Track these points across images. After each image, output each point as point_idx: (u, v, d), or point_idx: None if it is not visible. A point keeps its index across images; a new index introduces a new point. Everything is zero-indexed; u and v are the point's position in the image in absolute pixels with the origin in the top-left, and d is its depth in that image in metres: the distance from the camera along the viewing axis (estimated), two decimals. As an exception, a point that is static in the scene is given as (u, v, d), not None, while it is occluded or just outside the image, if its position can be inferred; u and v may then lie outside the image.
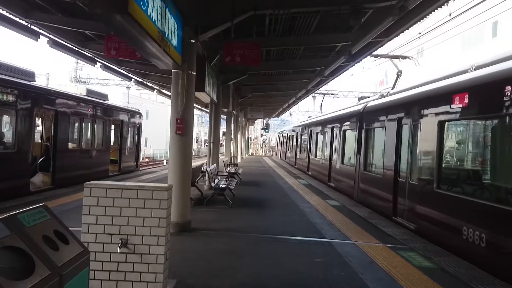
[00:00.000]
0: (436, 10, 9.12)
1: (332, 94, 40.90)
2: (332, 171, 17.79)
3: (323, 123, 20.45)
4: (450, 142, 8.33)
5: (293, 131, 32.41)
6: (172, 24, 6.68)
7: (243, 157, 38.73)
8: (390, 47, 14.38)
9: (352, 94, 44.44)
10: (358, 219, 9.65)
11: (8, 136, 11.66)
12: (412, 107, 9.76)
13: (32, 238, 2.54)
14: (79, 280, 2.82)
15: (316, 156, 21.95)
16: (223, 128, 26.78)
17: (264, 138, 75.82)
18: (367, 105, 13.69)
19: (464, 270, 5.90)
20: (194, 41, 8.14)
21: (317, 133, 21.76)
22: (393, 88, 14.27)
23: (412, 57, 16.03)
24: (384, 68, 38.96)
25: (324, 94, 35.67)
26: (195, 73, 8.24)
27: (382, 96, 13.13)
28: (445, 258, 6.55)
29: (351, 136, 14.89)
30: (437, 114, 8.43)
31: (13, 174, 11.09)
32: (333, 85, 77.92)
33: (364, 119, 13.47)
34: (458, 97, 7.53)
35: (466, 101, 7.30)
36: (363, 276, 5.54)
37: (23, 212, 2.71)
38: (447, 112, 8.02)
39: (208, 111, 17.96)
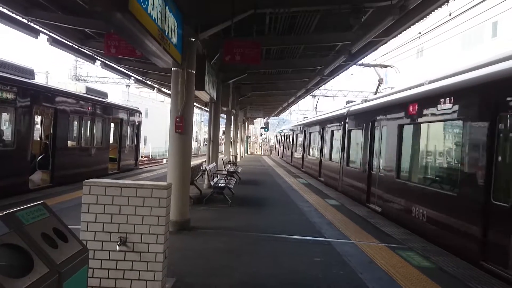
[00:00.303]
0: (436, 10, 9.13)
1: (327, 95, 41.82)
2: (322, 167, 19.78)
3: (315, 124, 22.50)
4: (406, 142, 10.07)
5: (290, 130, 34.59)
6: (172, 22, 6.67)
7: (242, 156, 38.72)
8: (390, 46, 14.55)
9: (352, 94, 44.39)
10: (357, 219, 9.66)
11: (8, 134, 11.65)
12: (380, 113, 11.88)
13: (31, 236, 2.54)
14: (78, 278, 2.81)
15: (309, 154, 24.02)
16: (222, 127, 26.78)
17: (263, 137, 75.83)
18: (350, 109, 15.62)
19: (463, 270, 5.91)
20: (194, 39, 8.13)
21: (310, 133, 23.78)
22: (375, 93, 16.45)
23: (393, 66, 17.96)
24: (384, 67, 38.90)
25: (319, 96, 36.98)
26: (195, 72, 8.24)
27: (365, 101, 14.84)
28: (444, 258, 6.55)
29: (337, 136, 16.92)
30: (397, 119, 10.50)
31: (12, 172, 11.09)
32: (333, 84, 77.96)
33: (348, 121, 15.43)
34: (411, 106, 9.68)
35: (416, 109, 9.41)
36: (362, 276, 5.54)
37: (22, 210, 2.70)
38: (403, 118, 10.10)
39: (207, 109, 17.97)
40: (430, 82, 9.61)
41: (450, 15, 11.07)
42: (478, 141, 6.93)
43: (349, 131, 15.09)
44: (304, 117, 35.73)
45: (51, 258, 2.54)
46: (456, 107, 7.72)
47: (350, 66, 17.29)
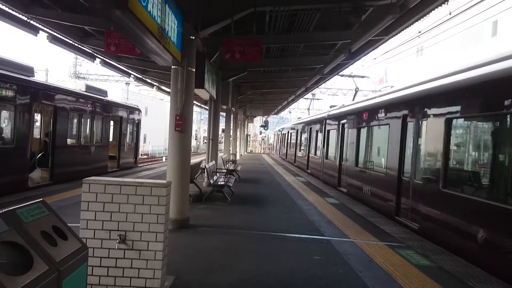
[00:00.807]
0: (436, 9, 9.12)
1: (318, 98, 44.67)
2: (309, 161, 23.39)
3: (304, 125, 26.34)
4: (362, 140, 13.29)
5: (285, 129, 38.56)
6: (172, 20, 6.67)
7: (242, 155, 38.71)
8: (389, 45, 14.61)
9: (351, 92, 44.38)
10: (357, 217, 9.66)
11: (7, 132, 11.64)
12: (346, 117, 15.44)
13: (30, 234, 2.54)
14: (77, 275, 2.82)
15: (300, 150, 27.93)
16: (222, 125, 26.75)
17: (263, 135, 75.78)
18: (329, 113, 18.89)
19: (462, 269, 5.92)
20: (194, 37, 8.12)
21: (301, 132, 27.38)
22: (353, 99, 19.92)
23: (369, 77, 21.55)
24: (383, 66, 38.97)
25: (311, 99, 39.87)
26: (194, 70, 8.23)
27: (342, 107, 17.55)
28: (443, 256, 6.56)
29: (320, 135, 20.40)
30: (355, 122, 14.02)
31: (12, 170, 11.09)
32: (333, 83, 77.93)
33: (327, 123, 18.81)
34: (365, 113, 12.96)
35: (368, 116, 12.64)
36: (362, 274, 5.55)
37: (22, 208, 2.70)
38: (359, 122, 13.52)
39: (207, 108, 17.97)
40: (381, 95, 12.70)
41: (450, 14, 11.06)
42: (395, 138, 10.06)
43: (328, 131, 18.55)
44: (298, 118, 39.54)
45: (51, 256, 2.54)
46: (386, 115, 11.09)
47: (350, 65, 17.30)
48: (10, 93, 10.79)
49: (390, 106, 10.85)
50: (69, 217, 5.05)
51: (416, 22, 10.16)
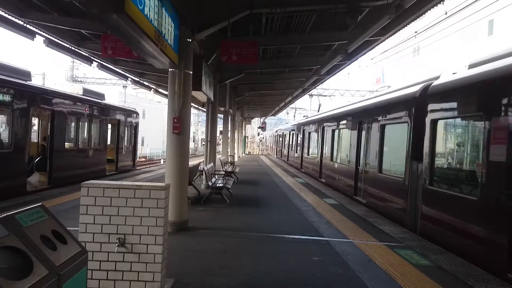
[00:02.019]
0: (432, 9, 9.16)
1: (324, 94, 44.75)
2: (302, 159, 26.34)
3: (291, 129, 31.44)
4: (329, 140, 17.22)
5: (281, 131, 41.73)
6: (169, 23, 6.68)
7: (240, 156, 38.69)
8: (386, 45, 14.68)
9: (349, 93, 44.48)
10: (355, 217, 9.68)
11: (5, 136, 11.62)
12: (310, 124, 22.17)
13: (30, 238, 2.55)
14: (77, 279, 2.82)
15: (291, 150, 31.59)
16: (220, 127, 26.68)
17: (261, 137, 75.76)
18: (307, 119, 24.97)
19: (461, 268, 5.93)
20: (190, 40, 8.13)
21: (292, 135, 31.16)
22: (318, 111, 30.21)
23: (334, 95, 29.31)
24: (380, 66, 39.05)
25: (296, 109, 46.06)
26: (191, 72, 8.24)
27: (315, 115, 23.75)
28: (442, 256, 6.58)
29: (302, 137, 25.39)
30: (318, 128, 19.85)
31: (10, 174, 11.06)
32: (330, 83, 78.12)
33: (305, 127, 24.24)
34: (313, 124, 20.71)
35: (322, 124, 18.66)
36: (361, 275, 5.56)
37: (21, 212, 2.71)
38: (321, 127, 19.04)
39: (205, 110, 17.96)
40: (336, 108, 17.98)
41: (446, 13, 11.11)
42: (355, 138, 13.15)
43: (309, 133, 22.94)
44: (286, 122, 49.07)
45: (50, 260, 2.55)
46: (346, 122, 14.79)
47: (347, 66, 17.33)
48: (7, 98, 10.78)
49: (347, 115, 14.81)
50: (68, 221, 5.05)
51: (412, 22, 10.19)
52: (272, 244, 7.14)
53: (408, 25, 10.46)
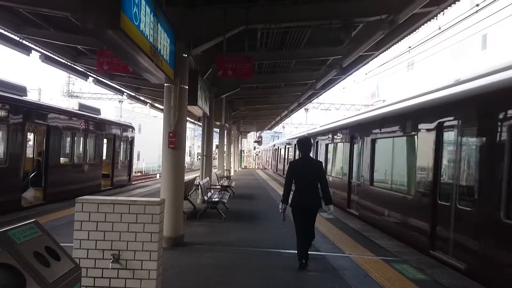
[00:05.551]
0: (425, 24, 9.26)
1: (320, 108, 45.49)
2: (284, 170, 28.10)
3: (288, 142, 32.76)
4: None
5: (277, 145, 44.35)
6: (164, 38, 6.72)
7: (236, 170, 38.65)
8: (381, 60, 14.84)
9: (344, 107, 44.73)
10: (351, 232, 9.65)
11: (0, 151, 11.58)
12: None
13: (23, 255, 2.52)
14: (71, 296, 2.79)
15: (287, 164, 32.71)
16: (216, 141, 26.70)
17: (257, 151, 75.74)
18: (289, 138, 29.38)
19: (457, 282, 5.91)
20: (186, 55, 8.18)
21: (287, 149, 33.05)
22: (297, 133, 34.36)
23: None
24: (375, 80, 39.31)
25: (284, 126, 48.78)
26: (187, 87, 8.27)
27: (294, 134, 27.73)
28: (438, 270, 6.56)
29: (288, 152, 29.37)
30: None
31: (5, 190, 11.00)
32: (325, 98, 78.33)
33: (290, 144, 27.60)
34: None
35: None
36: (357, 289, 5.53)
37: (14, 229, 2.69)
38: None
39: (200, 124, 17.99)
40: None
41: (439, 28, 11.24)
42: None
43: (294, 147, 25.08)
44: (278, 138, 53.52)
45: (44, 277, 2.52)
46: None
47: (342, 80, 17.44)
48: (2, 113, 10.77)
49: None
50: (62, 237, 5.02)
51: (406, 38, 10.30)
52: (268, 259, 7.10)
53: (401, 40, 10.57)
